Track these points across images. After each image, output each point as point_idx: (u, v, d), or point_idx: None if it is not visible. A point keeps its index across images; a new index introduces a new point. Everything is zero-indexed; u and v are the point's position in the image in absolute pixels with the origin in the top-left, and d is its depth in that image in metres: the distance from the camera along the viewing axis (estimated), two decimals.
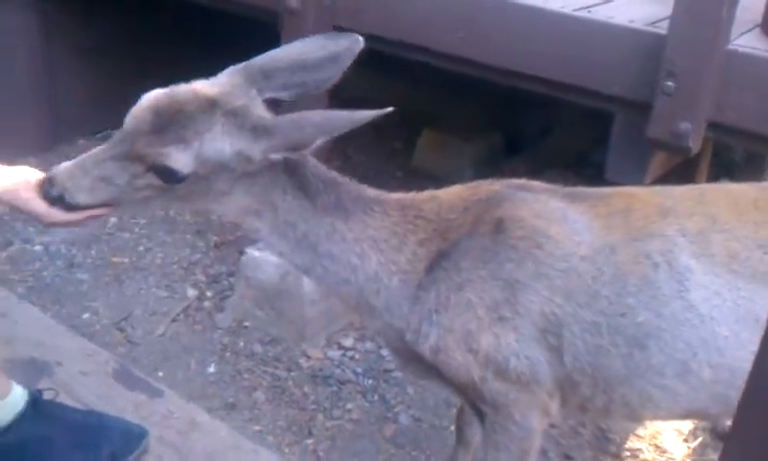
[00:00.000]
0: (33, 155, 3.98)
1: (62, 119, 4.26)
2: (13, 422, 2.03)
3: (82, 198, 1.69)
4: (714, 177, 4.22)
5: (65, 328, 2.88)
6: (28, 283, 3.36)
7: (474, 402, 1.84)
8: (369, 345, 3.17)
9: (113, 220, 3.82)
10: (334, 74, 1.77)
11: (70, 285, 3.38)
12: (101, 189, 1.68)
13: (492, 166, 4.43)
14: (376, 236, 1.77)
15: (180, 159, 1.61)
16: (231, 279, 3.43)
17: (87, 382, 2.53)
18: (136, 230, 3.79)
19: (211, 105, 1.64)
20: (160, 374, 2.91)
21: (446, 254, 1.74)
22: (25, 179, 1.80)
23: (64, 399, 2.31)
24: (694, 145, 2.34)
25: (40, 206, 1.79)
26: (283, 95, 1.75)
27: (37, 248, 3.60)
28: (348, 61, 1.76)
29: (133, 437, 2.27)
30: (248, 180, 1.69)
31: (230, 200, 1.72)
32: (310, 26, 2.77)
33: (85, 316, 3.20)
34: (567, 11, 2.52)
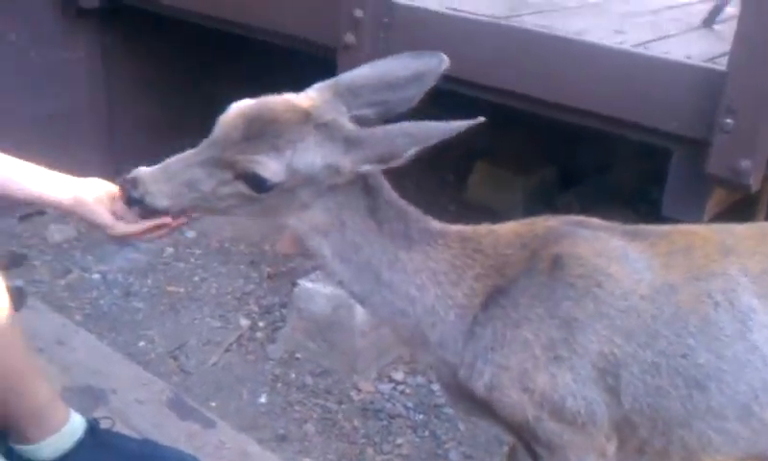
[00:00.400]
0: None
1: (119, 148, 4.36)
2: (71, 450, 2.06)
3: (163, 202, 1.68)
4: None
5: (121, 356, 2.92)
6: (85, 311, 3.43)
7: (528, 443, 1.81)
8: (420, 379, 3.15)
9: (170, 250, 3.89)
10: (417, 93, 1.75)
11: (126, 314, 3.44)
12: (184, 195, 1.67)
13: (545, 200, 4.40)
14: (436, 269, 1.74)
15: (272, 168, 1.60)
16: (284, 311, 3.45)
17: (142, 411, 2.57)
18: (192, 260, 3.85)
19: (305, 116, 1.64)
20: (213, 403, 2.94)
21: (504, 290, 1.71)
22: (95, 189, 1.85)
23: (120, 427, 2.34)
24: (755, 183, 2.30)
25: (107, 217, 1.82)
26: (367, 113, 1.73)
27: (95, 276, 3.68)
28: (432, 82, 1.74)
29: None
30: (328, 195, 1.68)
31: (308, 215, 1.70)
32: (366, 62, 2.79)
33: (141, 344, 3.25)
34: (624, 47, 2.51)
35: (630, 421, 1.68)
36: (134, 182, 1.68)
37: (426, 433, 2.90)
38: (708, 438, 1.68)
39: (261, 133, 1.61)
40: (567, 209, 4.28)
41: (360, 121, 1.70)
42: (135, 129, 4.44)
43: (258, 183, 1.62)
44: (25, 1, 3.94)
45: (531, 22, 2.81)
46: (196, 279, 3.72)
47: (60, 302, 3.45)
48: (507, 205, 4.37)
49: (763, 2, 2.17)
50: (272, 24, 3.32)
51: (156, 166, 1.69)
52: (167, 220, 1.77)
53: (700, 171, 2.34)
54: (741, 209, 3.12)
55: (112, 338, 3.24)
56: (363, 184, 1.70)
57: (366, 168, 1.62)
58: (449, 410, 2.98)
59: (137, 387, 2.68)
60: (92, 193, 1.86)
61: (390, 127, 1.62)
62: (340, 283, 1.80)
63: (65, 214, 1.97)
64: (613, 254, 1.69)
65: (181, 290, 3.63)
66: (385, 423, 2.93)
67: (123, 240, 1.88)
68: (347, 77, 1.75)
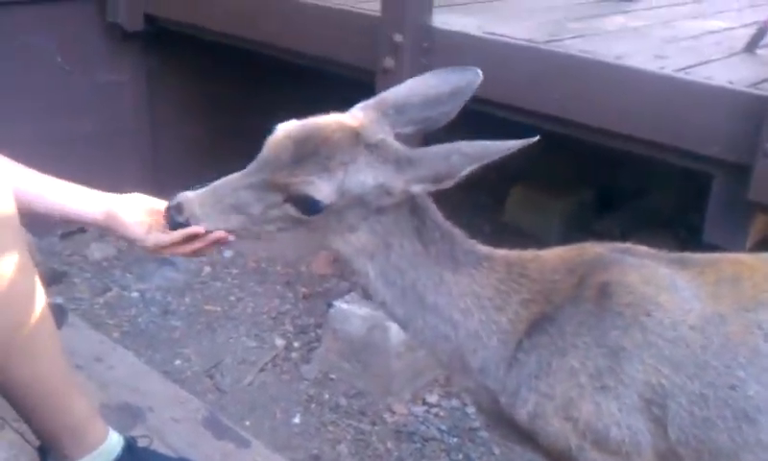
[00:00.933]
0: None
1: (163, 170, 4.42)
2: None
3: (210, 226, 1.67)
4: None
5: (158, 374, 2.95)
6: (123, 328, 3.47)
7: None
8: (454, 402, 3.14)
9: (207, 269, 3.93)
10: (455, 108, 1.74)
11: (164, 332, 3.47)
12: (232, 218, 1.65)
13: (582, 225, 4.37)
14: (481, 293, 1.71)
15: (324, 190, 1.58)
16: (319, 331, 3.46)
17: (178, 429, 2.58)
18: (229, 279, 3.88)
19: (355, 136, 1.62)
20: (247, 423, 2.95)
21: (550, 317, 1.67)
22: (133, 204, 1.86)
23: (157, 445, 2.35)
24: None
25: (138, 230, 1.83)
26: (409, 130, 1.72)
27: (134, 294, 3.72)
28: (468, 96, 1.73)
29: None
30: (375, 217, 1.65)
31: (354, 237, 1.67)
32: None
33: (177, 362, 3.28)
34: (666, 72, 2.50)
35: (675, 452, 1.65)
36: (179, 208, 1.67)
37: (460, 457, 2.88)
38: None
39: (312, 154, 1.59)
40: (606, 234, 4.26)
41: (402, 139, 1.69)
42: (179, 150, 4.50)
43: (309, 206, 1.60)
44: (71, 24, 4.02)
45: (571, 46, 2.81)
46: (232, 298, 3.75)
47: (98, 319, 3.50)
48: (544, 228, 4.34)
49: None
50: (312, 48, 3.36)
51: (202, 189, 1.68)
52: (199, 229, 1.69)
53: (742, 197, 2.31)
54: None
55: (149, 356, 3.28)
56: (410, 205, 1.68)
57: (418, 188, 1.61)
58: (484, 434, 2.96)
59: (174, 405, 2.69)
60: (128, 208, 1.87)
61: (443, 145, 1.59)
62: (382, 305, 1.76)
63: (101, 230, 1.99)
64: (662, 282, 1.65)
65: (218, 309, 3.66)
66: (419, 445, 2.91)
67: (158, 254, 1.86)
68: (390, 95, 1.73)
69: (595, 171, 4.50)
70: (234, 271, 3.95)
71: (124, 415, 2.57)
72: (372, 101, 1.72)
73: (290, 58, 3.53)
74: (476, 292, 1.71)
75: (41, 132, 3.78)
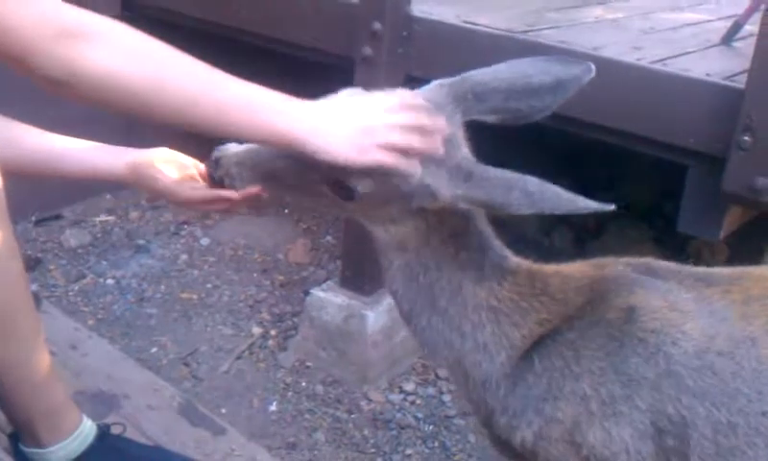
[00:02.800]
0: (108, 192, 4.15)
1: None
2: (82, 454, 2.06)
3: (242, 186, 1.57)
4: None
5: (133, 362, 2.93)
6: (98, 316, 3.45)
7: None
8: (430, 390, 3.15)
9: (183, 257, 3.91)
10: (551, 104, 1.55)
11: (139, 319, 3.45)
12: (266, 184, 1.55)
13: (559, 215, 4.38)
14: (498, 308, 1.58)
15: (361, 179, 1.45)
16: (296, 319, 3.46)
17: (153, 417, 2.56)
18: (205, 267, 3.86)
19: None
20: (223, 410, 2.94)
21: (567, 339, 1.56)
22: (158, 157, 1.81)
23: (131, 432, 2.33)
24: None
25: (167, 181, 1.75)
26: (490, 119, 1.54)
27: (110, 281, 3.69)
28: (571, 92, 1.55)
29: None
30: (420, 215, 1.52)
31: (394, 229, 1.55)
32: (383, 74, 2.81)
33: (153, 350, 3.26)
34: (643, 63, 2.51)
35: None
36: (217, 162, 1.58)
37: (436, 444, 2.89)
38: None
39: None
40: (582, 224, 4.29)
41: (476, 127, 1.53)
42: (153, 139, 4.45)
43: (345, 192, 1.48)
44: None
45: (549, 37, 2.82)
46: (209, 286, 3.73)
47: (73, 306, 3.47)
48: (519, 221, 4.35)
49: None
50: (291, 35, 3.34)
51: (243, 147, 1.56)
52: (232, 194, 1.61)
53: (716, 188, 2.33)
54: (759, 225, 3.11)
55: (125, 344, 3.26)
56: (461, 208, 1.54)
57: (464, 207, 1.46)
58: (460, 421, 2.98)
59: (149, 393, 2.68)
60: (156, 160, 1.79)
61: (509, 174, 1.42)
62: (393, 293, 1.66)
63: (128, 185, 1.90)
64: (688, 307, 1.54)
65: (194, 297, 3.64)
66: (395, 433, 2.92)
67: (189, 207, 1.79)
68: (472, 77, 1.55)
69: (570, 161, 4.53)
70: (211, 259, 3.93)
71: (98, 402, 2.56)
72: (447, 82, 1.55)
73: (269, 45, 3.51)
74: (493, 307, 1.59)
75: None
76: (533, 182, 1.39)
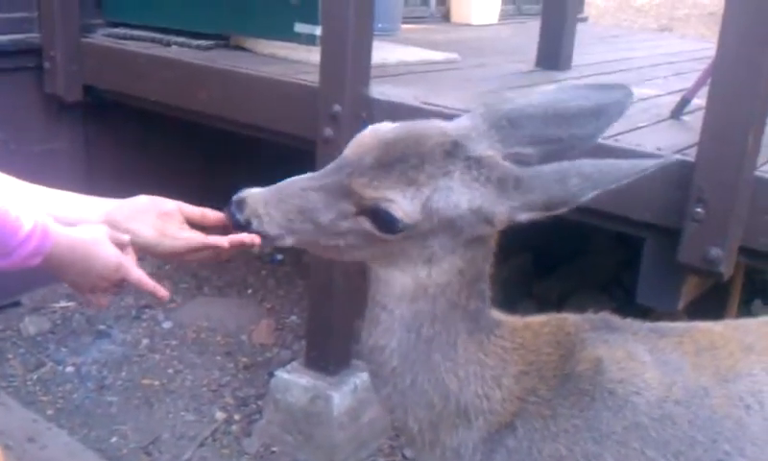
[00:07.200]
0: None
1: None
2: None
3: (272, 229, 1.44)
4: (748, 298, 4.18)
5: (93, 453, 2.86)
6: (57, 405, 3.36)
7: None
8: None
9: (145, 341, 3.85)
10: (597, 130, 1.47)
11: (100, 408, 3.37)
12: (297, 223, 1.42)
13: (522, 288, 4.42)
14: (485, 362, 1.51)
15: (405, 206, 1.34)
16: (260, 402, 3.40)
17: None
18: (167, 351, 3.80)
19: (452, 146, 1.38)
20: None
21: (545, 398, 1.52)
22: (140, 206, 1.64)
23: None
24: (726, 271, 2.33)
25: (149, 234, 1.58)
26: (529, 150, 1.45)
27: (69, 369, 3.61)
28: (615, 118, 1.48)
29: None
30: (464, 251, 1.41)
31: (426, 272, 1.43)
32: None
33: (113, 440, 3.17)
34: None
35: None
36: (240, 205, 1.45)
37: None
38: None
39: (398, 161, 1.36)
40: (545, 298, 4.32)
41: (518, 161, 1.42)
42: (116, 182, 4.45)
43: (387, 223, 1.36)
44: (8, 95, 3.97)
45: None
46: (171, 371, 3.67)
47: (31, 396, 3.38)
48: None
49: (728, 95, 2.24)
50: (252, 118, 3.38)
51: (268, 188, 1.45)
52: (220, 241, 1.50)
53: (673, 259, 2.37)
54: (716, 295, 3.16)
55: (84, 434, 3.17)
56: (492, 244, 1.46)
57: (524, 217, 1.37)
58: None
59: None
60: (133, 211, 1.63)
61: (560, 164, 1.35)
62: (377, 349, 1.52)
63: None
64: (645, 358, 1.55)
65: (156, 383, 3.57)
66: None
67: (175, 260, 1.63)
68: (508, 105, 1.47)
69: (533, 235, 4.58)
70: (173, 342, 3.87)
71: None
72: (482, 110, 1.48)
73: (230, 127, 3.54)
74: (481, 361, 1.51)
75: None
76: (586, 164, 1.33)
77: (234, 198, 1.46)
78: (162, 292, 1.61)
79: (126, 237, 1.57)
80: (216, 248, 1.53)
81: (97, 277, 1.54)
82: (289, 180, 1.45)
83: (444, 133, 1.40)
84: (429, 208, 1.35)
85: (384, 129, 1.43)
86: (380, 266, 1.48)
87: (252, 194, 1.45)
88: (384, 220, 1.36)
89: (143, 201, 1.66)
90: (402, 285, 1.46)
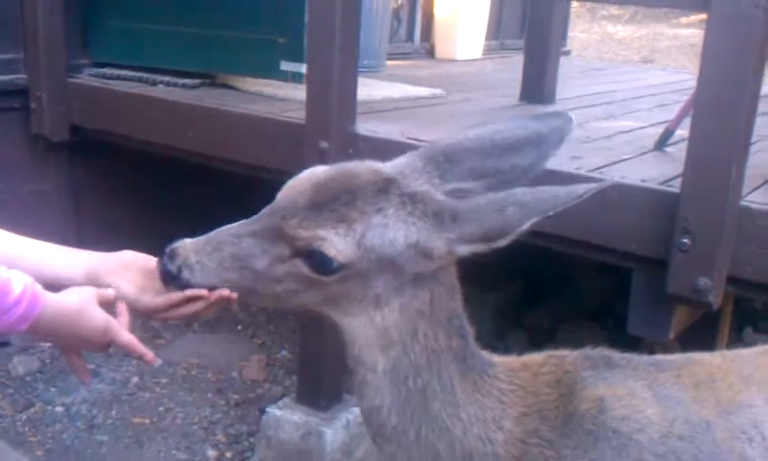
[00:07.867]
0: None
1: None
2: None
3: (204, 277, 1.40)
4: (738, 326, 4.20)
5: None
6: (47, 446, 3.33)
7: None
8: None
9: (135, 379, 3.82)
10: (537, 161, 1.47)
11: (90, 448, 3.34)
12: (231, 271, 1.39)
13: (512, 316, 4.43)
14: (483, 403, 1.47)
15: (338, 244, 1.32)
16: (252, 439, 3.38)
17: None
18: (157, 389, 3.78)
19: (386, 182, 1.37)
20: None
21: (548, 440, 1.49)
22: (121, 261, 1.64)
23: None
24: (715, 300, 2.35)
25: (128, 289, 1.58)
26: (470, 185, 1.44)
27: (58, 409, 3.58)
28: (556, 146, 1.49)
29: None
30: (412, 291, 1.38)
31: (380, 316, 1.39)
32: None
33: None
34: (582, 172, 2.60)
35: None
36: (172, 254, 1.42)
37: None
38: None
39: (330, 200, 1.35)
40: (536, 326, 4.33)
41: (459, 197, 1.42)
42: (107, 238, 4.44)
43: (321, 263, 1.34)
44: None
45: None
46: (161, 409, 3.64)
47: (20, 437, 3.35)
48: (475, 321, 4.37)
49: (711, 126, 2.27)
50: (239, 155, 3.40)
51: (203, 236, 1.43)
52: (203, 292, 1.45)
53: (662, 290, 2.39)
54: (706, 324, 3.18)
55: None
56: (450, 282, 1.42)
57: (464, 250, 1.35)
58: None
59: None
60: (115, 266, 1.63)
61: (496, 195, 1.34)
62: (374, 410, 1.48)
63: None
64: (645, 393, 1.54)
65: (147, 421, 3.54)
66: None
67: (155, 317, 1.62)
68: (443, 141, 1.48)
69: (523, 263, 4.60)
70: (163, 380, 3.85)
71: None
72: (418, 150, 1.48)
73: (217, 165, 3.55)
74: (480, 402, 1.47)
75: None
76: (522, 192, 1.33)
77: (167, 248, 1.44)
78: (150, 356, 1.63)
79: (111, 292, 1.57)
80: (197, 300, 1.49)
81: (84, 340, 1.55)
82: (224, 227, 1.43)
83: (377, 172, 1.40)
84: (364, 246, 1.34)
85: (318, 171, 1.43)
86: (332, 313, 1.45)
87: (185, 244, 1.43)
88: (318, 260, 1.35)
89: (127, 256, 1.67)
90: (364, 333, 1.42)
